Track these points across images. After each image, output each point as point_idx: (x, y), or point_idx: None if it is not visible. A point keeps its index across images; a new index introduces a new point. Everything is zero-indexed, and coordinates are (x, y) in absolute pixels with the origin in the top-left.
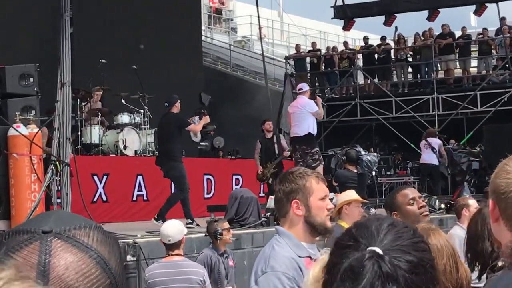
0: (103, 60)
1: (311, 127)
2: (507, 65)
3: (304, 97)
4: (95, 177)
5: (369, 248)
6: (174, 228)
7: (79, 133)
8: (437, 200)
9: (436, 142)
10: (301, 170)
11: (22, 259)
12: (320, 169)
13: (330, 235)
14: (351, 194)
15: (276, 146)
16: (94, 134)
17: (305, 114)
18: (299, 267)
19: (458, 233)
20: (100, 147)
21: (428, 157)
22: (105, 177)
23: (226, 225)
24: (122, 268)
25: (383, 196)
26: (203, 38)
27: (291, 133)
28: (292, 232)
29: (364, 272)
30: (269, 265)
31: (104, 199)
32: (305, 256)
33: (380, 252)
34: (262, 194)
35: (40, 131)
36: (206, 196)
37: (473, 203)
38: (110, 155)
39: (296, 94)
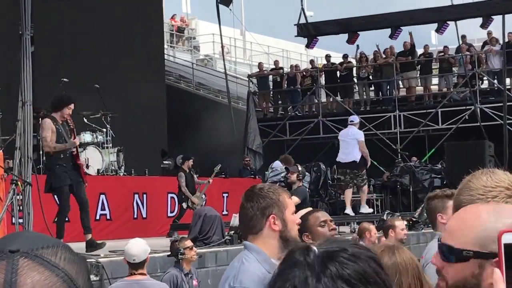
0: (65, 79)
1: (357, 154)
2: (467, 83)
3: (354, 127)
4: (56, 196)
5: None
6: (139, 247)
7: (41, 152)
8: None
9: None
10: (271, 186)
11: None
12: (365, 187)
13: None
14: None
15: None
16: None
17: (354, 143)
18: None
19: None
20: None
21: None
22: None
23: (188, 243)
24: (90, 287)
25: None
26: (165, 56)
27: (339, 158)
28: (264, 248)
29: None
30: (237, 280)
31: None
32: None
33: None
34: (225, 212)
35: (0, 151)
36: (169, 214)
37: (399, 224)
38: None
39: (347, 124)
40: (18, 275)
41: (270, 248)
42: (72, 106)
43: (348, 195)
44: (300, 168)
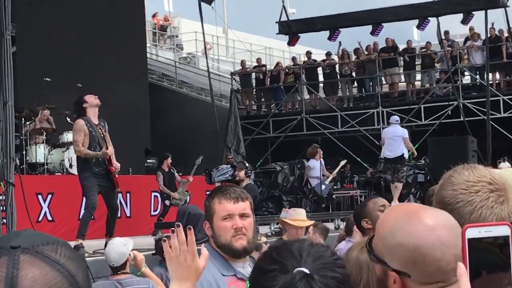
0: (47, 79)
1: (404, 150)
2: (450, 78)
3: (399, 126)
4: (39, 196)
5: (297, 269)
6: (116, 252)
7: (24, 152)
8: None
9: None
10: (214, 190)
11: None
12: (400, 185)
13: (242, 257)
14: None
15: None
16: (39, 153)
17: (400, 140)
18: (219, 287)
19: (344, 248)
20: (46, 166)
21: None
22: (49, 196)
23: None
24: (89, 284)
25: (330, 210)
26: (148, 55)
27: (385, 155)
28: (220, 251)
29: None
30: None
31: (49, 218)
32: (230, 275)
33: (308, 271)
34: None
35: None
36: (153, 213)
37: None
38: (56, 174)
39: (391, 124)
40: (19, 270)
41: (221, 252)
42: (90, 94)
43: (394, 189)
44: (247, 165)
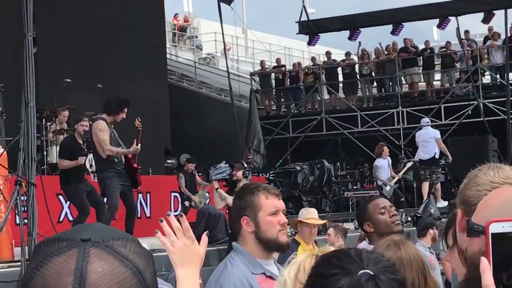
0: (67, 80)
1: (437, 151)
2: (470, 78)
3: (430, 128)
4: (60, 196)
5: (362, 271)
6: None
7: (45, 153)
8: (403, 213)
9: None
10: (251, 186)
11: (60, 264)
12: (439, 185)
13: (287, 250)
14: (307, 214)
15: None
16: None
17: (434, 142)
18: (251, 285)
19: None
20: None
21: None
22: None
23: None
24: (156, 281)
25: (350, 210)
26: (168, 55)
27: (420, 157)
28: (247, 249)
29: None
30: (218, 284)
31: (70, 218)
32: (259, 273)
33: (373, 273)
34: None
35: (4, 152)
36: (173, 213)
37: None
38: None
39: (422, 126)
40: (88, 263)
41: (251, 249)
42: (126, 109)
43: (425, 188)
44: (245, 165)
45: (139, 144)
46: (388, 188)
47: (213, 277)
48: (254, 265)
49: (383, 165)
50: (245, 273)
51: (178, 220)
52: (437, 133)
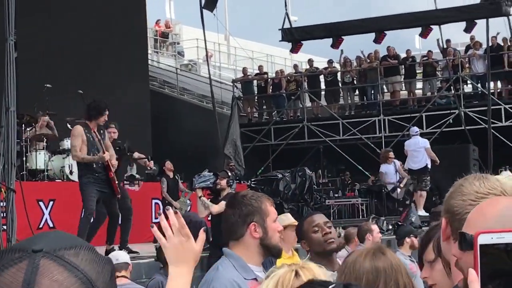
0: (48, 85)
1: (428, 161)
2: (451, 87)
3: (419, 137)
4: (40, 203)
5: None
6: (121, 252)
7: (24, 158)
8: (384, 221)
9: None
10: (254, 193)
11: (10, 277)
12: (424, 193)
13: (280, 257)
14: (285, 218)
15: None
16: (40, 159)
17: (423, 151)
18: None
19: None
20: (46, 173)
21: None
22: (51, 202)
23: None
24: (112, 287)
25: (331, 218)
26: (149, 62)
27: (410, 166)
28: (243, 255)
29: None
30: (210, 287)
31: (51, 225)
32: (250, 278)
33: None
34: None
35: None
36: (154, 220)
37: (375, 228)
38: (56, 180)
39: (412, 135)
40: (37, 274)
41: (250, 255)
42: (107, 112)
43: (418, 198)
44: (230, 174)
45: (106, 153)
46: (399, 190)
47: (204, 282)
48: (246, 270)
49: (388, 170)
50: (236, 277)
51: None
52: (426, 143)
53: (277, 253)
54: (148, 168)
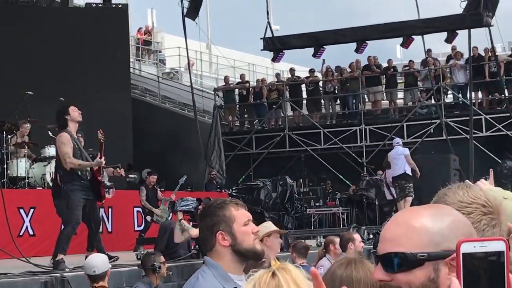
0: (29, 92)
1: (406, 167)
2: (432, 97)
3: (400, 147)
4: (21, 210)
5: None
6: (98, 259)
7: (5, 166)
8: (365, 231)
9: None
10: (219, 201)
11: None
12: (410, 199)
13: (262, 259)
14: (269, 226)
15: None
16: (21, 167)
17: (403, 158)
18: None
19: (326, 265)
20: (27, 180)
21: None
22: (31, 210)
23: (162, 258)
24: None
25: (312, 227)
26: (131, 70)
27: (391, 174)
28: (221, 264)
29: None
30: None
31: (31, 232)
32: (231, 287)
33: None
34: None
35: None
36: (136, 228)
37: (357, 237)
38: (37, 188)
39: (394, 145)
40: None
41: (226, 264)
42: (73, 107)
43: (401, 205)
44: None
45: (103, 157)
46: (393, 190)
47: None
48: (227, 280)
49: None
50: (216, 286)
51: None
52: (405, 150)
53: (253, 256)
54: (120, 176)
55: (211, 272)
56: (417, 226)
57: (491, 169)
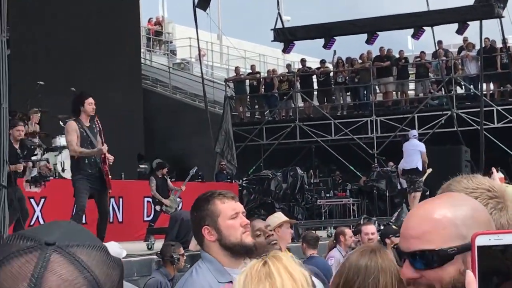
0: (41, 82)
1: (419, 162)
2: (443, 88)
3: (416, 140)
4: (32, 200)
5: None
6: (112, 249)
7: None
8: (376, 221)
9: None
10: (205, 195)
11: (18, 268)
12: (418, 194)
13: (256, 252)
14: (280, 216)
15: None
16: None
17: (417, 153)
18: None
19: (336, 256)
20: (38, 170)
21: None
22: (42, 200)
23: (181, 250)
24: None
25: (323, 218)
26: (142, 60)
27: (402, 166)
28: (216, 258)
29: None
30: None
31: (42, 222)
32: (226, 281)
33: None
34: None
35: None
36: (146, 218)
37: (348, 232)
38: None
39: (408, 137)
40: (46, 270)
41: (219, 258)
42: (90, 100)
43: (412, 199)
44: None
45: (105, 145)
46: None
47: (179, 285)
48: (222, 273)
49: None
50: (210, 281)
51: None
52: (422, 147)
53: (241, 250)
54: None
55: (206, 266)
56: (442, 220)
57: (493, 168)
